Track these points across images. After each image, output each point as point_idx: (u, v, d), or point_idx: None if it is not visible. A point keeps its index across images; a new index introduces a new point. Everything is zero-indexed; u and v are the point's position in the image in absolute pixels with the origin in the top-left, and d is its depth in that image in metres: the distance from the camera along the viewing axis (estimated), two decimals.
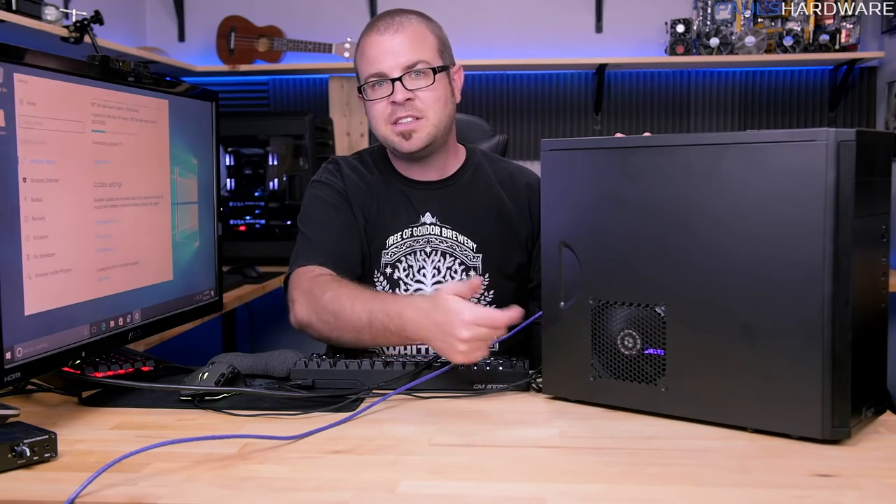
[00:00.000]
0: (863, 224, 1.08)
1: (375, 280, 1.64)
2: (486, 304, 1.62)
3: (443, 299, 1.27)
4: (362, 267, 1.63)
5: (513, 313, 1.23)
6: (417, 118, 1.57)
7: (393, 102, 1.56)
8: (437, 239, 1.64)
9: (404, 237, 1.64)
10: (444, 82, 1.60)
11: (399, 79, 1.55)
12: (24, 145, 1.10)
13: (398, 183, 1.68)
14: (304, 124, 3.12)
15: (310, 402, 1.28)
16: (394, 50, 1.56)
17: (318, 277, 1.51)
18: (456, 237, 1.64)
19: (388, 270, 1.63)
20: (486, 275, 1.64)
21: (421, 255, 1.63)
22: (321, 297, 1.45)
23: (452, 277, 1.62)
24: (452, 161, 1.70)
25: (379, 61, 1.57)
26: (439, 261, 1.63)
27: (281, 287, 1.70)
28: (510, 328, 1.41)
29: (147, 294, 1.42)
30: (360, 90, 1.63)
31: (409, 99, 1.56)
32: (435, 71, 1.58)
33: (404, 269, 1.63)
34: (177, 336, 2.14)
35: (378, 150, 1.73)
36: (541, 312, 1.30)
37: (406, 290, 1.63)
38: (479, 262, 1.64)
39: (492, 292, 1.64)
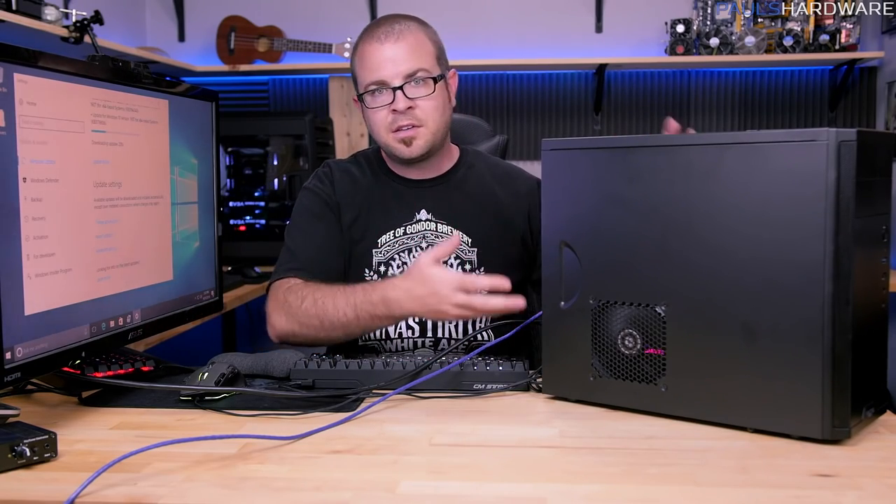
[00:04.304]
0: (863, 224, 1.07)
1: (368, 279, 1.65)
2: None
3: (419, 272, 1.35)
4: (345, 273, 1.66)
5: (497, 280, 1.31)
6: (417, 126, 1.59)
7: (394, 111, 1.57)
8: (432, 234, 1.65)
9: (397, 235, 1.65)
10: (442, 89, 1.62)
11: (400, 87, 1.57)
12: (24, 145, 1.10)
13: (393, 182, 1.70)
14: (304, 124, 3.11)
15: (310, 402, 1.28)
16: (395, 58, 1.57)
17: (292, 287, 1.55)
18: (451, 232, 1.65)
19: (382, 269, 1.65)
20: (482, 268, 1.65)
21: (417, 251, 1.64)
22: (301, 305, 1.50)
23: None
24: (446, 161, 1.71)
25: (380, 70, 1.57)
26: None
27: None
28: (509, 327, 1.42)
29: (147, 294, 1.42)
30: (358, 97, 1.63)
31: (409, 107, 1.57)
32: (435, 80, 1.59)
33: (398, 267, 1.64)
34: (177, 336, 2.14)
35: (374, 152, 1.76)
36: (541, 312, 1.30)
37: None
38: (475, 256, 1.65)
39: None
